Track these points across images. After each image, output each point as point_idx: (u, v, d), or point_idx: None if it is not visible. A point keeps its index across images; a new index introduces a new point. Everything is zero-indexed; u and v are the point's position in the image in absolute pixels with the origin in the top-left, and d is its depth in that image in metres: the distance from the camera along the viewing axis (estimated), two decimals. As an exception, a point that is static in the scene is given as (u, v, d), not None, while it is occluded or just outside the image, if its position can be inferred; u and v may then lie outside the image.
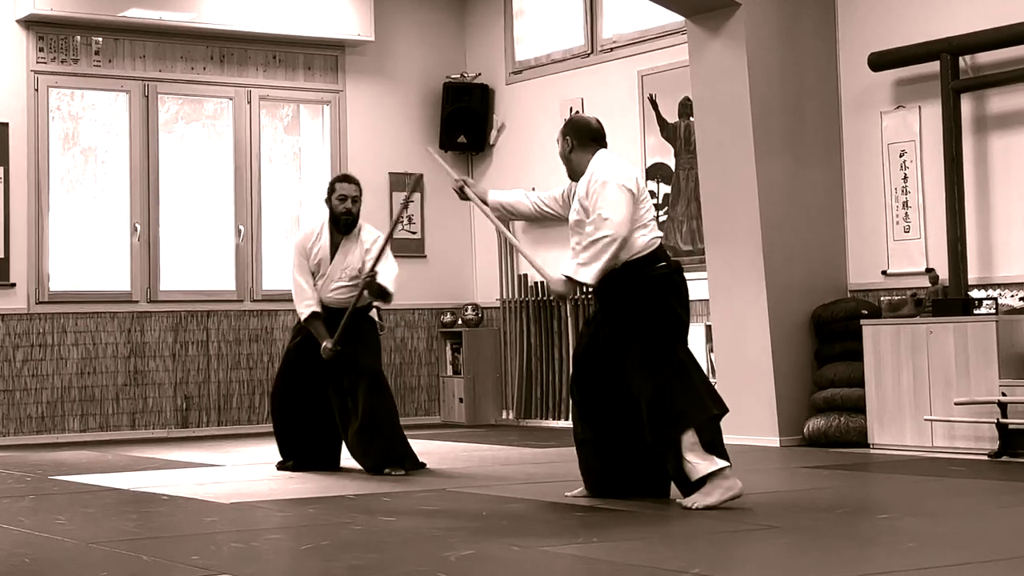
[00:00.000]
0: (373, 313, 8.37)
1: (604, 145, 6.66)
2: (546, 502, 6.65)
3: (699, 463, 6.25)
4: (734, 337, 9.60)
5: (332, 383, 8.21)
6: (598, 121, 6.74)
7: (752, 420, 9.43)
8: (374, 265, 7.97)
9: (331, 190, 8.31)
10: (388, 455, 8.06)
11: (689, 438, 6.27)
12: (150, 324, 11.34)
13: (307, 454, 8.33)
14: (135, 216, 11.37)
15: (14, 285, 10.87)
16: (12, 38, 11.02)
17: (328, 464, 8.31)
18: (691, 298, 6.68)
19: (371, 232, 8.32)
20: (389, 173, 12.38)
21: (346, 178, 8.41)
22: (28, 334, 10.92)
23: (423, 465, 8.23)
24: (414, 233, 12.48)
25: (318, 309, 8.19)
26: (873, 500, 6.96)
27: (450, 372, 12.38)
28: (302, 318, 8.24)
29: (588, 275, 6.37)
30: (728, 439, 6.55)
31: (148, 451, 9.94)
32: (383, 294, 8.04)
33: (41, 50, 11.10)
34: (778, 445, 9.33)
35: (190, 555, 5.19)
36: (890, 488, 7.27)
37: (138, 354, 11.28)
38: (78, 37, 11.21)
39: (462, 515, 6.27)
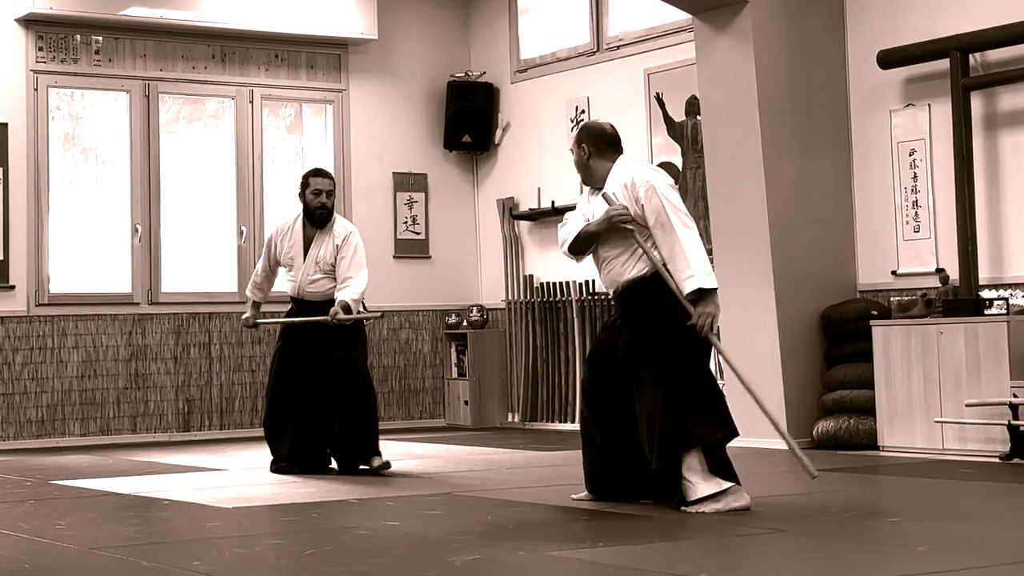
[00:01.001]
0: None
1: (621, 151, 6.56)
2: (552, 506, 6.61)
3: (700, 484, 6.16)
4: (742, 338, 9.51)
5: (319, 380, 8.25)
6: (612, 126, 6.65)
7: (760, 422, 9.29)
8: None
9: (304, 184, 8.42)
10: (362, 454, 8.22)
11: (692, 458, 6.17)
12: (151, 326, 11.27)
13: (298, 455, 8.34)
14: (136, 217, 11.31)
15: (14, 287, 10.81)
16: (11, 37, 10.97)
17: (318, 464, 8.33)
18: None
19: (344, 225, 8.40)
20: (393, 173, 12.32)
21: (319, 172, 8.51)
22: (28, 337, 10.86)
23: (388, 465, 8.28)
24: (418, 234, 12.40)
25: (259, 299, 8.62)
26: (883, 503, 6.94)
27: (455, 374, 12.31)
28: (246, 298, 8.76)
29: (712, 280, 6.26)
30: (736, 441, 6.49)
31: (149, 455, 9.90)
32: (347, 310, 8.20)
33: (41, 49, 11.03)
34: (786, 448, 9.23)
35: (192, 560, 5.16)
36: (900, 491, 7.24)
37: (139, 357, 11.22)
38: (78, 36, 11.15)
39: (467, 519, 6.23)
